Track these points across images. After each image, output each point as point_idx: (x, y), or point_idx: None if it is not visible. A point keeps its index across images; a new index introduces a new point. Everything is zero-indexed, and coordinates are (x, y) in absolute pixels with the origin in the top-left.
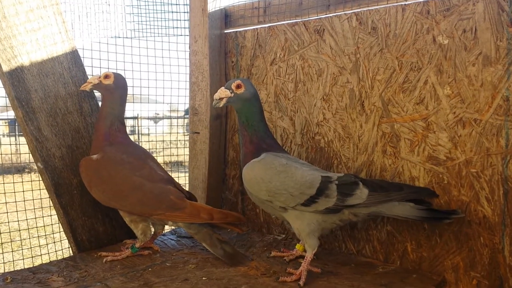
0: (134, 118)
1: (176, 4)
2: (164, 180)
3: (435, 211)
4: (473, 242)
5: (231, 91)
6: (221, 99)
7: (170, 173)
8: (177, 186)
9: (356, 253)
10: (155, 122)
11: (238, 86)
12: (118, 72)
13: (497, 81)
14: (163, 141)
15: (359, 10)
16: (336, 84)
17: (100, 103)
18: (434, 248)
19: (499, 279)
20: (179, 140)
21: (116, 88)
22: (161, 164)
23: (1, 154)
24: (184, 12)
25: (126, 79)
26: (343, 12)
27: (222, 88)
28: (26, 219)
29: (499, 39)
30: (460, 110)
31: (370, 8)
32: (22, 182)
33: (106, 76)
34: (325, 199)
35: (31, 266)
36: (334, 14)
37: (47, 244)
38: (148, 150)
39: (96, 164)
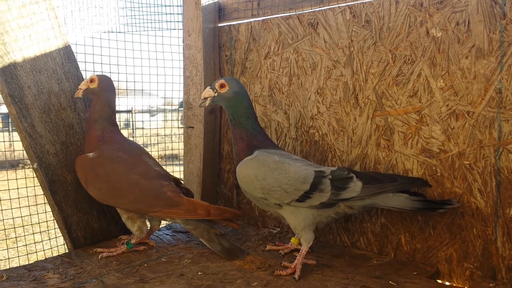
0: (128, 112)
1: None
2: (160, 176)
3: (430, 202)
4: (466, 234)
5: (215, 90)
6: (205, 98)
7: (165, 167)
8: (172, 181)
9: (350, 246)
10: (150, 116)
11: (221, 86)
12: (104, 72)
13: (490, 74)
14: (158, 135)
15: (353, 3)
16: (330, 77)
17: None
18: (428, 239)
19: (492, 270)
20: (174, 134)
21: (100, 91)
22: (156, 158)
23: None
24: (178, 6)
25: (111, 80)
26: (337, 5)
27: (208, 87)
28: (21, 216)
29: (492, 32)
30: (453, 103)
31: (363, 1)
32: (16, 178)
33: (91, 80)
34: (320, 194)
35: (27, 263)
36: (328, 7)
37: (42, 240)
38: (142, 146)
39: (92, 162)
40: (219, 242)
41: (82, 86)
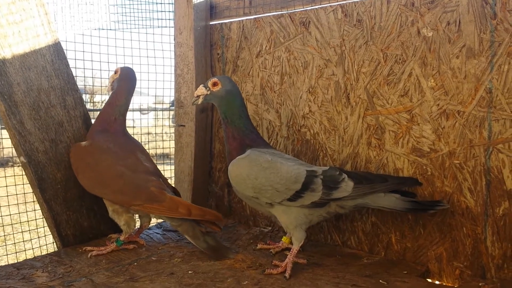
0: None
1: None
2: (148, 172)
3: (420, 203)
4: (456, 233)
5: (207, 88)
6: (198, 96)
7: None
8: (162, 179)
9: (341, 245)
10: (142, 114)
11: (214, 84)
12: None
13: (480, 73)
14: (149, 133)
15: (344, 2)
16: (321, 76)
17: (83, 96)
18: (418, 238)
19: (481, 269)
20: (165, 133)
21: (119, 80)
22: None
23: None
24: (169, 4)
25: (132, 72)
26: (328, 4)
27: (201, 85)
28: (10, 214)
29: (482, 32)
30: (443, 102)
31: (355, 0)
32: (5, 176)
33: (116, 72)
34: (311, 194)
35: (15, 261)
36: (320, 6)
37: (31, 239)
38: (141, 143)
39: (84, 151)
40: (204, 239)
41: (110, 79)
